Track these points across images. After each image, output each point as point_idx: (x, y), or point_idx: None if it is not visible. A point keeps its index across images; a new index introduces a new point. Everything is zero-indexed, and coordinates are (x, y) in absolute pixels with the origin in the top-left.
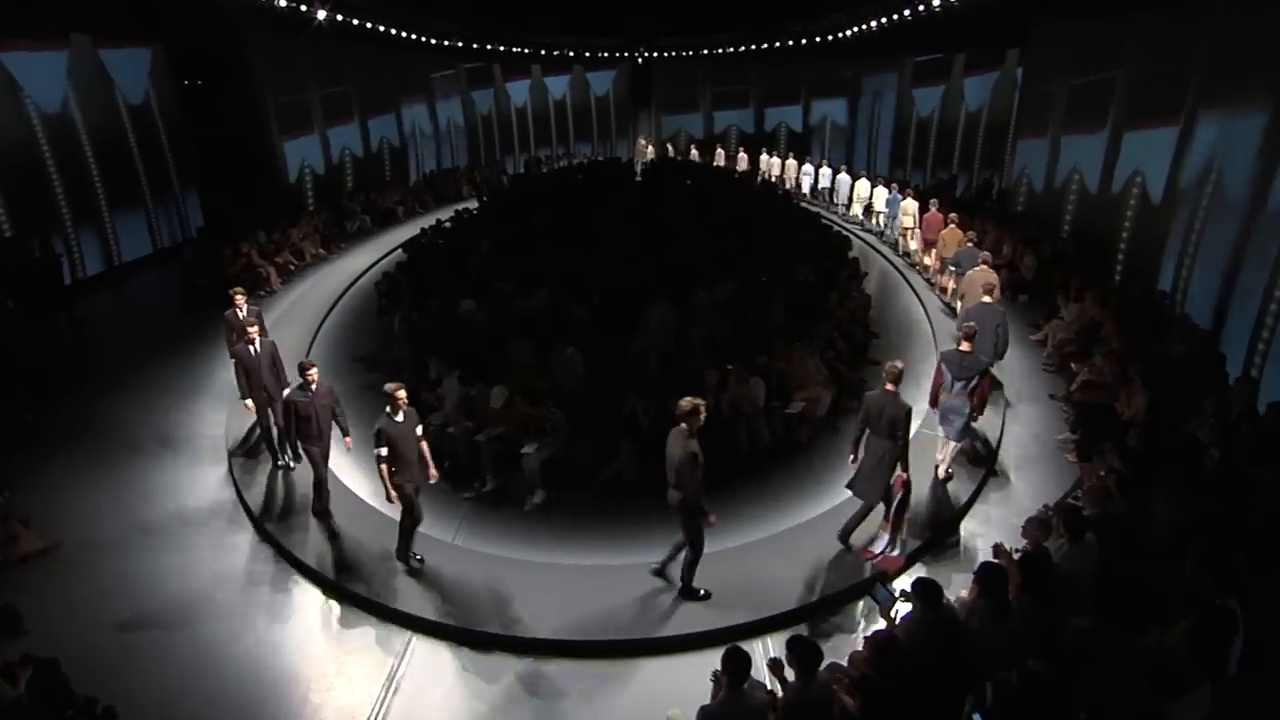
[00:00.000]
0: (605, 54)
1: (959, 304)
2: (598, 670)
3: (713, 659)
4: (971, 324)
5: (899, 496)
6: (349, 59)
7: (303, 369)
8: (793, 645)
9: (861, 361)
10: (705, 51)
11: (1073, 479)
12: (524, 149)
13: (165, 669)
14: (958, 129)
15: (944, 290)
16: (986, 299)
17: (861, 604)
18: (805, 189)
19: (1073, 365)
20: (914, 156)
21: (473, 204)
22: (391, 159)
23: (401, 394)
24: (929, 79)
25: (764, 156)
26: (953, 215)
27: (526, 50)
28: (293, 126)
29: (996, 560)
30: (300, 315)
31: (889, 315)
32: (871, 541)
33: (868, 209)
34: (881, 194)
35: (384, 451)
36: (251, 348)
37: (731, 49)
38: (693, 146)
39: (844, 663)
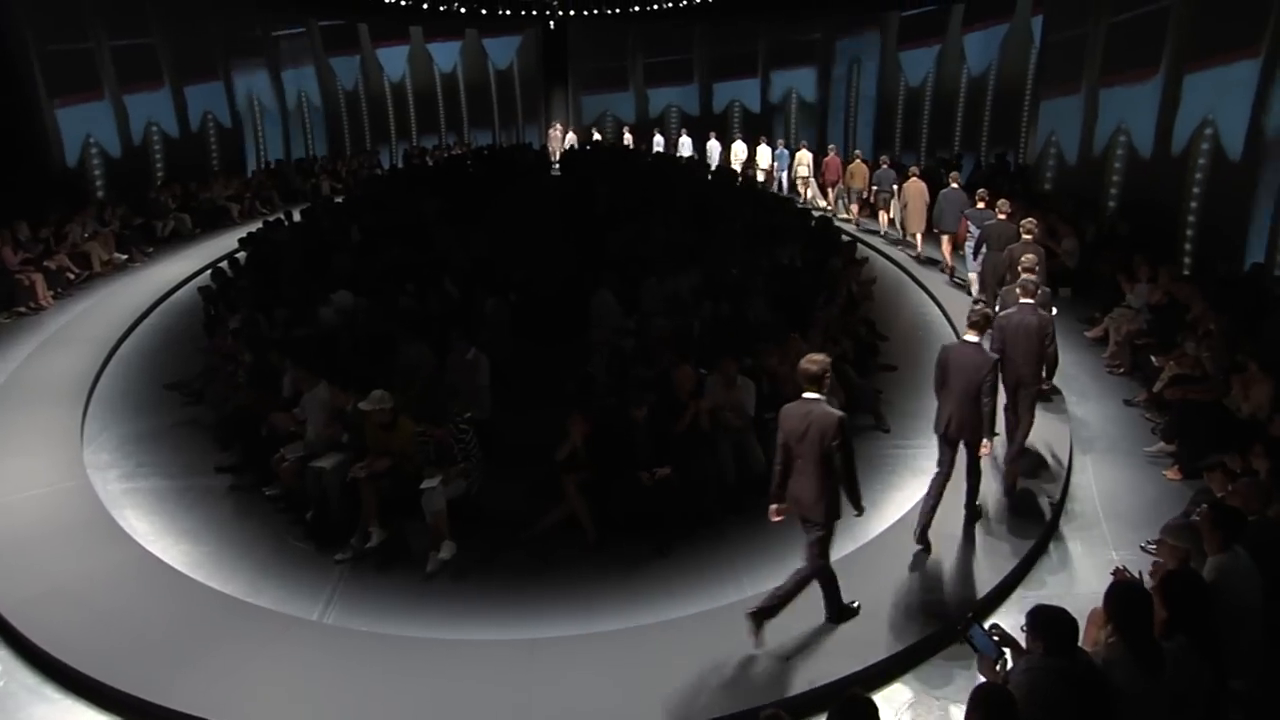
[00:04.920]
0: (506, 11)
1: (899, 215)
2: None
3: None
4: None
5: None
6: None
7: None
8: (847, 714)
9: (872, 366)
10: (636, 8)
11: (1176, 503)
12: (404, 136)
13: None
14: (958, 98)
15: (854, 221)
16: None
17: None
18: None
19: (1153, 359)
20: (903, 135)
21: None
22: (220, 142)
23: None
24: (920, 38)
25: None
26: (857, 151)
27: (403, 2)
28: (70, 88)
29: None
30: (81, 336)
31: (894, 315)
32: None
33: (745, 171)
34: (765, 151)
35: None
36: None
37: (670, 4)
38: (626, 130)
39: None
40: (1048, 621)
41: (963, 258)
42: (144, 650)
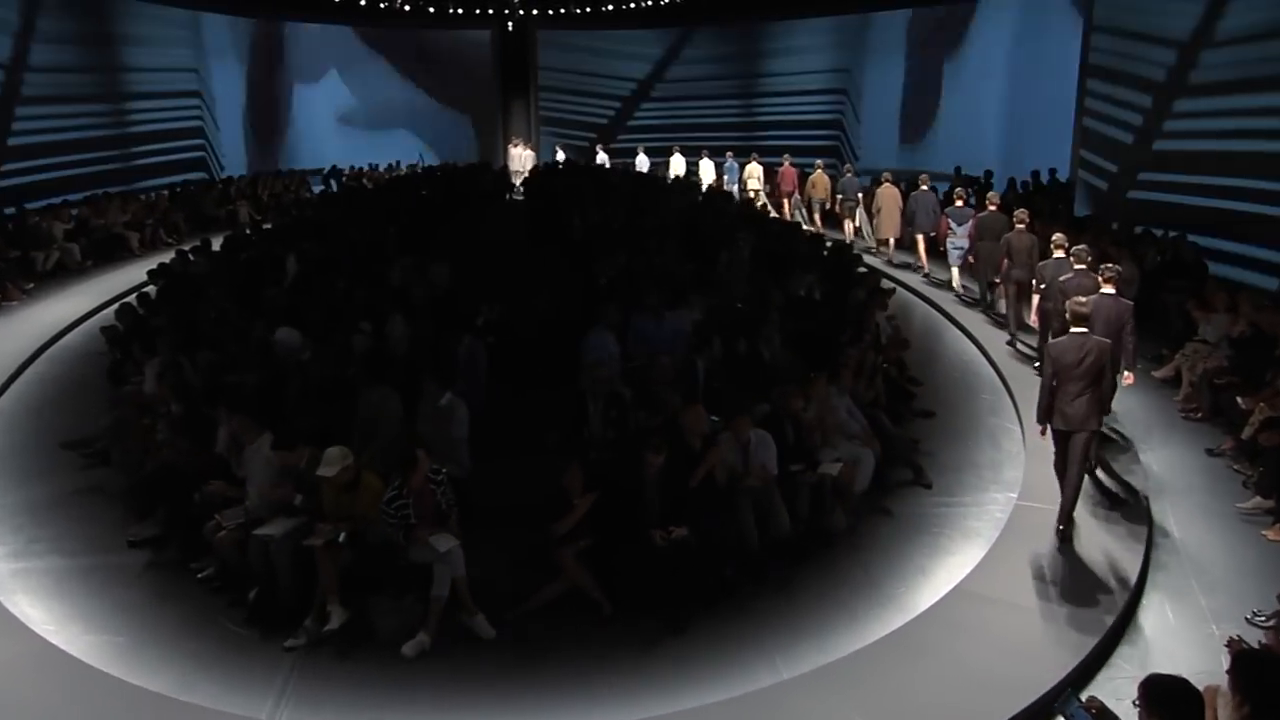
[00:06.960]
0: (458, 10)
1: (873, 222)
2: None
3: None
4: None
5: None
6: None
7: None
8: None
9: (906, 414)
10: (608, 7)
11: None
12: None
13: None
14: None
15: (813, 223)
16: (924, 187)
17: None
18: None
19: (1239, 401)
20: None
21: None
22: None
23: None
24: (940, 41)
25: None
26: (817, 161)
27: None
28: None
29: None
30: None
31: (928, 356)
32: None
33: None
34: (707, 165)
35: None
36: None
37: (647, 2)
38: (640, 152)
39: None
40: (1166, 695)
41: (941, 254)
42: None
